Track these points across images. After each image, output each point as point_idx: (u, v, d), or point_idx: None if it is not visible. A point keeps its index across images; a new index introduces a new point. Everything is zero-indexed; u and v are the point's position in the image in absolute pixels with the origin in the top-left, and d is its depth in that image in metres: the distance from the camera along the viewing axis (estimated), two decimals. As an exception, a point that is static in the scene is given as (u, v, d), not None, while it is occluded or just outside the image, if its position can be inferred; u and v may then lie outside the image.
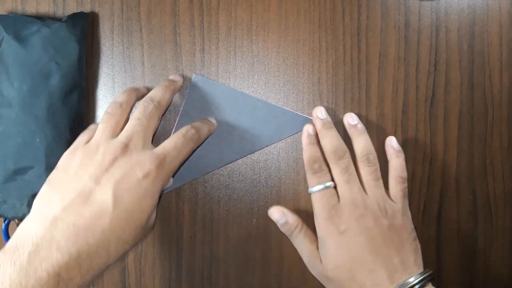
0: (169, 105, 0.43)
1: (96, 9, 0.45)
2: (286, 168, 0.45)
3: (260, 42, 0.45)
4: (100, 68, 0.45)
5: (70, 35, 0.42)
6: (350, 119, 0.43)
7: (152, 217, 0.38)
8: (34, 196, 0.40)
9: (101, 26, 0.45)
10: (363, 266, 0.38)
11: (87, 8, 0.45)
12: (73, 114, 0.42)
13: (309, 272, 0.43)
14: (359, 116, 0.45)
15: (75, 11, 0.44)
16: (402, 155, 0.43)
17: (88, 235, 0.33)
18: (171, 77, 0.43)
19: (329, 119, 0.43)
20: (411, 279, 0.37)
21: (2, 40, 0.41)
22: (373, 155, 0.42)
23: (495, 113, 0.46)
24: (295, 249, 0.45)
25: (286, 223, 0.42)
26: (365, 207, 0.39)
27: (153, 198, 0.37)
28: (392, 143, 0.43)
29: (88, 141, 0.38)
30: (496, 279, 0.46)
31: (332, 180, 0.41)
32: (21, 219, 0.42)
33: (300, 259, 0.44)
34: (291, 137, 0.45)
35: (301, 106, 0.45)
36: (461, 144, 0.46)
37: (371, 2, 0.45)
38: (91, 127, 0.40)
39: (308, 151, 0.42)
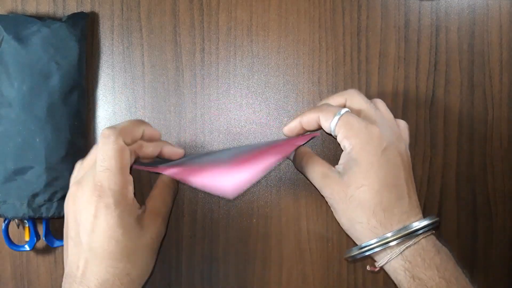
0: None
1: (96, 9, 0.45)
2: (286, 168, 0.45)
3: (260, 42, 0.45)
4: (100, 68, 0.45)
5: (70, 35, 0.42)
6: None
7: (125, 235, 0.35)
8: (34, 196, 0.40)
9: (101, 26, 0.45)
10: (394, 189, 0.36)
11: (87, 8, 0.45)
12: (73, 114, 0.42)
13: (309, 272, 0.43)
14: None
15: (75, 11, 0.44)
16: None
17: None
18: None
19: None
20: (433, 217, 0.37)
21: (2, 40, 0.41)
22: None
23: (495, 113, 0.46)
24: (295, 249, 0.45)
25: (294, 155, 0.42)
26: (397, 133, 0.39)
27: (120, 225, 0.35)
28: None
29: None
30: (496, 279, 0.46)
31: None
32: (21, 219, 0.42)
33: (300, 259, 0.44)
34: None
35: (301, 106, 0.45)
36: (461, 144, 0.46)
37: (371, 2, 0.45)
38: None
39: (308, 110, 0.40)
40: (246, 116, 0.45)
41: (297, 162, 0.42)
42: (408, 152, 0.39)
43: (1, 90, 0.41)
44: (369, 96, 0.45)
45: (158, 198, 0.39)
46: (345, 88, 0.45)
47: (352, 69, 0.45)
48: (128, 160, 0.36)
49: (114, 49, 0.45)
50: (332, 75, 0.45)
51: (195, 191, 0.45)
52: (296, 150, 0.42)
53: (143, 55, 0.45)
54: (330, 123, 0.38)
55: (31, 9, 0.45)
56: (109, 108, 0.45)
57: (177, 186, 0.43)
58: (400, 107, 0.45)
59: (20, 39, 0.41)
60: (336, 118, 0.38)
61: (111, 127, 0.36)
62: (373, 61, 0.45)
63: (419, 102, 0.45)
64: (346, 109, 0.38)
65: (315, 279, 0.45)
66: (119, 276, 0.35)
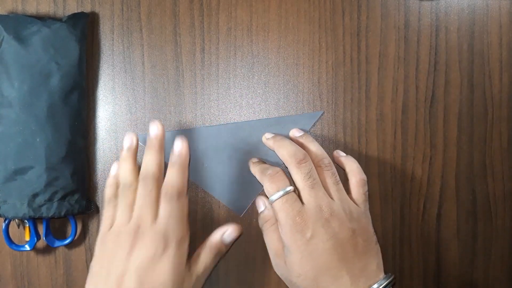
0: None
1: (97, 9, 0.45)
2: (286, 168, 0.45)
3: (260, 42, 0.45)
4: (100, 68, 0.45)
5: (71, 35, 0.42)
6: (296, 133, 0.44)
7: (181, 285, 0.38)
8: (34, 195, 0.40)
9: (101, 26, 0.45)
10: (328, 273, 0.37)
11: (87, 8, 0.45)
12: (73, 114, 0.42)
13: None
14: (359, 116, 0.45)
15: (76, 11, 0.44)
16: (355, 160, 0.43)
17: None
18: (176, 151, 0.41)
19: (279, 135, 0.43)
20: (375, 286, 0.37)
21: (2, 40, 0.41)
22: (328, 159, 0.41)
23: (495, 113, 0.46)
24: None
25: (262, 212, 0.42)
26: (331, 212, 0.38)
27: (174, 273, 0.38)
28: (340, 153, 0.44)
29: (110, 222, 0.40)
30: (496, 279, 0.46)
31: (291, 185, 0.40)
32: (21, 219, 0.42)
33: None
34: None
35: (301, 106, 0.45)
36: (461, 144, 0.46)
37: (371, 2, 0.45)
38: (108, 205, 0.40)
39: (256, 166, 0.42)
40: (246, 116, 0.45)
41: (260, 218, 0.43)
42: (349, 224, 0.38)
43: (2, 90, 0.41)
44: (369, 97, 0.45)
45: (198, 258, 0.41)
46: (345, 88, 0.45)
47: (352, 69, 0.45)
48: (187, 209, 0.40)
49: (114, 49, 0.45)
50: (332, 75, 0.45)
51: (195, 191, 0.45)
52: (267, 207, 0.42)
53: (143, 55, 0.45)
54: (269, 198, 0.40)
55: (31, 9, 0.45)
56: (109, 108, 0.45)
57: (223, 249, 0.42)
58: (400, 107, 0.45)
59: (20, 39, 0.41)
60: (277, 195, 0.39)
61: (175, 187, 0.39)
62: (373, 61, 0.45)
63: (419, 102, 0.46)
64: (290, 188, 0.39)
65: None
66: None
